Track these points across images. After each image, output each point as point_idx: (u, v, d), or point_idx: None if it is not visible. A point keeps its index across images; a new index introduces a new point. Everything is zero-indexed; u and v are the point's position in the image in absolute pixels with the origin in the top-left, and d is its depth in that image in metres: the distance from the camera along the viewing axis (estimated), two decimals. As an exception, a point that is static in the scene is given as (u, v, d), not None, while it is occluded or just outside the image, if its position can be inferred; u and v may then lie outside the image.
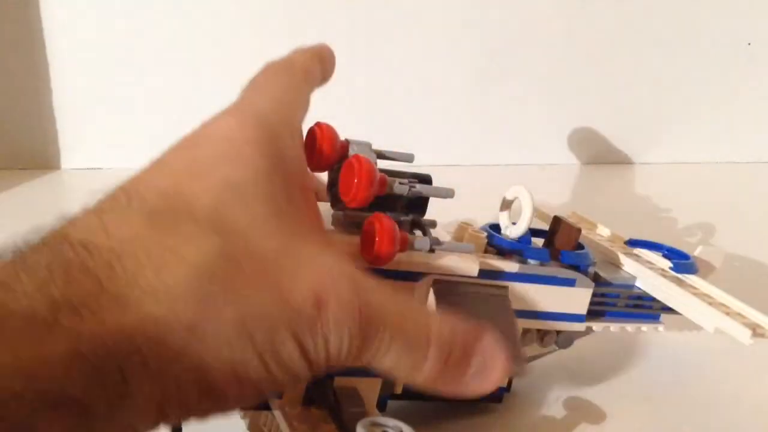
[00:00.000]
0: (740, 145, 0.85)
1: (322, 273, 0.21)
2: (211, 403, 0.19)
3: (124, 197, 0.21)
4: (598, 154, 0.84)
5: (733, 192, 0.76)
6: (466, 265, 0.30)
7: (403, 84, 0.77)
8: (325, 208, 0.30)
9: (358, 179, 0.27)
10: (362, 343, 0.21)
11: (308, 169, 0.28)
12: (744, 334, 0.33)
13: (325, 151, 0.28)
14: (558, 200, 0.69)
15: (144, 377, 0.18)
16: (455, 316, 0.23)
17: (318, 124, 0.29)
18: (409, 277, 0.29)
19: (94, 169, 0.84)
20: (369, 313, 0.21)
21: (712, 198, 0.72)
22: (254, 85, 0.27)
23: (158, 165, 0.22)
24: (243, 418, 0.32)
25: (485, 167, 0.81)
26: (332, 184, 0.30)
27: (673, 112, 0.84)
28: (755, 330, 0.33)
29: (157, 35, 0.78)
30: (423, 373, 0.22)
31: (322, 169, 0.29)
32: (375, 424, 0.25)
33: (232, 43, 0.78)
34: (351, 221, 0.29)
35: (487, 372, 0.23)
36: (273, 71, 0.28)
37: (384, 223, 0.26)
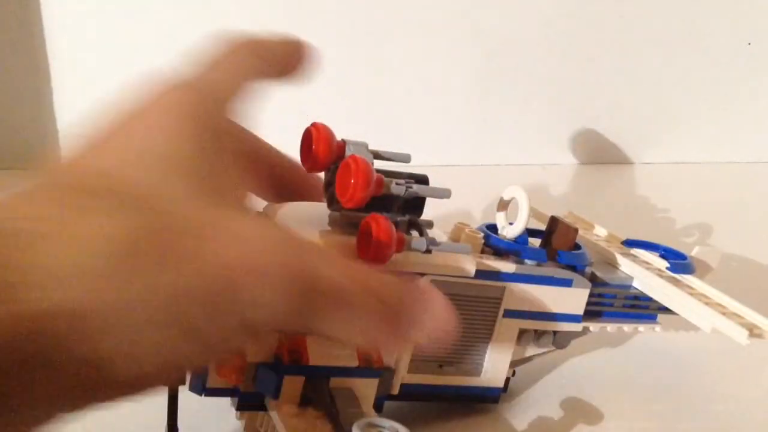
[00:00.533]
0: (740, 145, 0.85)
1: (251, 241, 0.20)
2: (129, 387, 0.19)
3: (48, 177, 0.20)
4: (598, 154, 0.84)
5: (733, 192, 0.76)
6: (463, 265, 0.30)
7: (402, 84, 0.77)
8: (322, 208, 0.30)
9: (354, 180, 0.26)
10: (301, 306, 0.20)
11: (252, 145, 0.28)
12: (741, 335, 0.33)
13: (321, 151, 0.28)
14: (558, 200, 0.69)
15: (40, 372, 0.16)
16: (391, 273, 0.23)
17: (314, 124, 0.29)
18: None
19: (95, 168, 0.84)
20: (304, 276, 0.20)
21: (711, 198, 0.72)
22: (198, 62, 0.26)
23: (89, 142, 0.22)
24: (239, 419, 0.32)
25: (485, 167, 0.81)
26: (329, 184, 0.30)
27: (672, 112, 0.84)
28: (752, 330, 0.33)
29: (158, 35, 0.78)
30: (368, 333, 0.22)
31: (318, 170, 0.29)
32: (371, 425, 0.25)
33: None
34: (348, 221, 0.29)
35: (429, 317, 0.23)
36: (222, 50, 0.28)
37: (381, 223, 0.26)
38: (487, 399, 0.35)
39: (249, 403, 0.28)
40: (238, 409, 0.29)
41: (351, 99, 0.71)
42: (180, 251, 0.19)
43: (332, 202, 0.29)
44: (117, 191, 0.19)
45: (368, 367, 0.28)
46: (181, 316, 0.18)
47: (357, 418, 0.26)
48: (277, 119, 0.78)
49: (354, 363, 0.28)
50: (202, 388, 0.28)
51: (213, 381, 0.28)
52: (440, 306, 0.23)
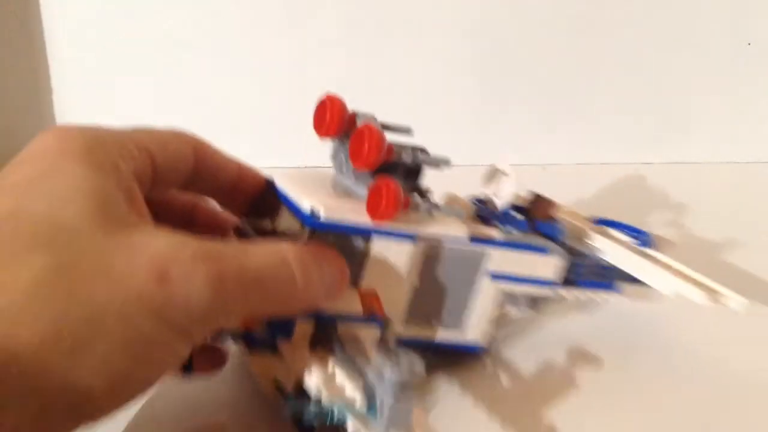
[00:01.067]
0: (740, 145, 0.85)
1: (158, 250, 0.21)
2: (76, 414, 0.19)
3: None
4: (598, 154, 0.84)
5: (733, 192, 0.76)
6: (457, 229, 0.34)
7: (401, 83, 0.77)
8: (325, 175, 0.34)
9: (369, 144, 0.30)
10: (224, 298, 0.22)
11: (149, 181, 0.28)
12: (700, 297, 0.38)
13: (335, 120, 0.31)
14: (558, 200, 0.69)
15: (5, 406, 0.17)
16: (295, 243, 0.27)
17: (328, 96, 0.32)
18: (405, 237, 0.32)
19: (94, 169, 0.84)
20: (219, 272, 0.22)
21: (711, 198, 0.72)
22: None
23: None
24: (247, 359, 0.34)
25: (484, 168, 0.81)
26: (336, 153, 0.33)
27: (672, 112, 0.84)
28: (711, 294, 0.38)
29: (158, 35, 0.78)
30: (296, 301, 0.26)
31: (331, 136, 0.32)
32: (390, 352, 0.28)
33: (232, 43, 0.78)
34: (358, 182, 0.32)
35: (334, 277, 0.27)
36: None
37: (391, 184, 0.30)
38: (471, 353, 0.38)
39: (261, 346, 0.31)
40: (249, 351, 0.31)
41: (349, 98, 0.71)
42: (89, 279, 0.20)
43: (341, 170, 0.33)
44: (22, 231, 0.20)
45: (372, 315, 0.31)
46: (108, 336, 0.19)
47: (365, 360, 0.28)
48: (277, 116, 0.78)
49: (360, 311, 0.31)
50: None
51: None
52: (338, 262, 0.28)
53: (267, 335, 0.30)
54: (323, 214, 0.29)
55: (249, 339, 0.31)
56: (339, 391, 0.27)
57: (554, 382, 0.38)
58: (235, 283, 0.23)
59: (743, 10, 0.81)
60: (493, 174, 0.39)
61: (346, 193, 0.32)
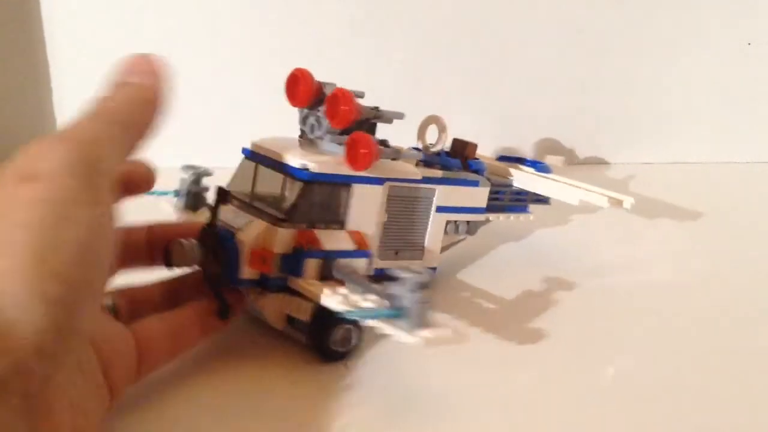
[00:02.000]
0: (740, 145, 0.85)
1: None
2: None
3: None
4: (598, 154, 0.84)
5: (733, 192, 0.76)
6: (414, 171, 0.41)
7: (400, 83, 0.77)
8: (293, 139, 0.41)
9: (345, 105, 0.36)
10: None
11: None
12: (602, 201, 0.47)
13: (306, 90, 0.38)
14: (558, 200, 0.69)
15: None
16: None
17: (298, 69, 0.38)
18: (376, 181, 0.39)
19: (94, 169, 0.84)
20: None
21: (711, 198, 0.72)
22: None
23: None
24: (252, 307, 0.38)
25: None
26: (305, 119, 0.40)
27: (672, 112, 0.84)
28: (611, 199, 0.47)
29: (157, 35, 0.78)
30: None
31: (302, 105, 0.39)
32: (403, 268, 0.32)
33: (231, 43, 0.78)
34: (333, 140, 0.38)
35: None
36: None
37: (368, 138, 0.36)
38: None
39: (275, 287, 0.36)
40: (263, 294, 0.37)
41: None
42: None
43: (311, 132, 0.39)
44: None
45: (361, 249, 0.38)
46: None
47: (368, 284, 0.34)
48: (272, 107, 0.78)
49: (353, 246, 0.37)
50: (235, 279, 0.35)
51: (245, 273, 0.35)
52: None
53: (281, 276, 0.36)
54: (313, 168, 0.36)
55: (264, 282, 0.36)
56: (358, 304, 0.32)
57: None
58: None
59: (743, 10, 0.81)
60: (427, 125, 0.45)
61: (318, 152, 0.38)
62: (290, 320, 0.37)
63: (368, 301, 0.33)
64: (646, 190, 0.72)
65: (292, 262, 0.35)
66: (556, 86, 0.82)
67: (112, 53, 0.84)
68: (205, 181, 0.44)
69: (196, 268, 0.36)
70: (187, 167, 0.44)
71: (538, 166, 0.53)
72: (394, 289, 0.32)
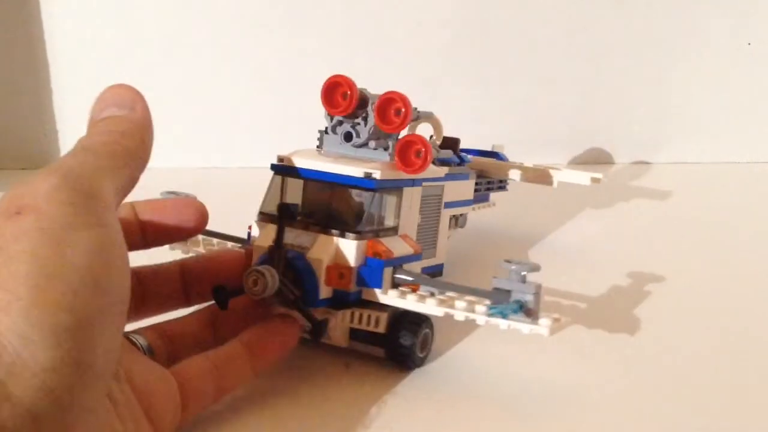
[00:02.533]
0: (740, 145, 0.85)
1: None
2: None
3: None
4: (598, 154, 0.84)
5: (733, 192, 0.76)
6: (437, 170, 0.42)
7: (401, 83, 0.77)
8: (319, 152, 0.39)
9: (405, 109, 0.36)
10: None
11: None
12: (584, 178, 0.49)
13: (356, 98, 0.37)
14: (561, 200, 0.69)
15: None
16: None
17: (342, 77, 0.37)
18: (418, 183, 0.39)
19: (94, 169, 0.84)
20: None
21: (712, 198, 0.72)
22: None
23: None
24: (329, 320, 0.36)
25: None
26: (335, 128, 0.39)
27: (673, 113, 0.84)
28: (592, 178, 0.48)
29: (157, 35, 0.78)
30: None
31: (347, 113, 0.37)
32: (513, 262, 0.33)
33: (231, 43, 0.78)
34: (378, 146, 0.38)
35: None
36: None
37: (425, 141, 0.36)
38: (438, 273, 0.45)
39: (352, 302, 0.35)
40: (337, 309, 0.36)
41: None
42: None
43: (343, 140, 0.38)
44: None
45: (416, 253, 0.37)
46: None
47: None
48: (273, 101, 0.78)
49: (411, 251, 0.37)
50: (315, 301, 0.34)
51: (323, 292, 0.34)
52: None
53: (358, 290, 0.35)
54: (379, 176, 0.35)
55: (342, 299, 0.35)
56: (454, 304, 0.33)
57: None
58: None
59: (743, 10, 0.81)
60: (417, 123, 0.45)
61: (361, 159, 0.37)
62: (354, 335, 0.37)
63: (464, 301, 0.33)
64: (645, 190, 0.72)
65: (371, 273, 0.35)
66: (557, 86, 0.82)
67: (112, 53, 0.84)
68: None
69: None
70: (168, 193, 0.40)
71: (497, 155, 0.55)
72: (500, 282, 0.32)
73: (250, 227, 0.37)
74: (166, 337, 0.32)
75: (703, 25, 0.81)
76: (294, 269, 0.33)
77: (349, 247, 0.34)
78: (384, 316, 0.35)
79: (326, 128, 0.39)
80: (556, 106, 0.82)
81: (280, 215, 0.33)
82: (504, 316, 0.32)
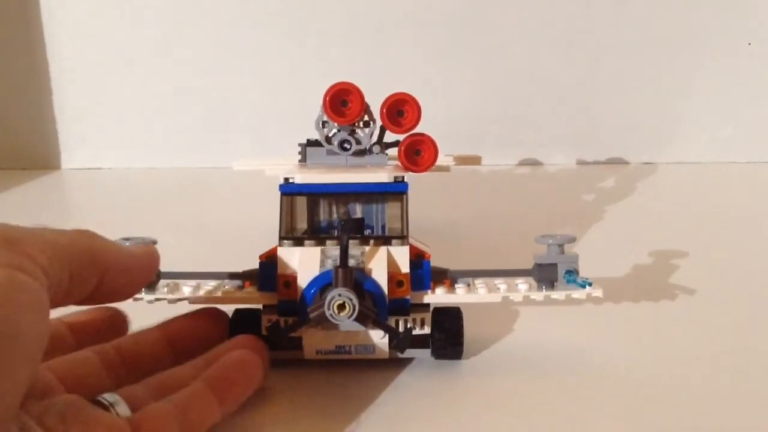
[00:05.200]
0: (740, 145, 0.85)
1: None
2: None
3: None
4: (599, 154, 0.84)
5: (733, 192, 0.76)
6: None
7: (402, 84, 0.77)
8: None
9: (418, 109, 0.37)
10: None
11: None
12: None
13: (362, 106, 0.37)
14: (562, 200, 0.69)
15: None
16: None
17: (349, 83, 0.36)
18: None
19: (94, 169, 0.84)
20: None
21: (712, 198, 0.72)
22: None
23: None
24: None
25: (485, 168, 0.82)
26: (330, 137, 0.38)
27: (672, 113, 0.84)
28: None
29: (157, 36, 0.78)
30: None
31: (354, 120, 0.37)
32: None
33: (230, 44, 0.78)
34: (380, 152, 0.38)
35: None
36: None
37: (428, 136, 0.36)
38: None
39: (408, 309, 0.35)
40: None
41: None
42: None
43: (339, 149, 0.38)
44: None
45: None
46: None
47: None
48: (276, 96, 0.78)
49: (428, 248, 0.36)
50: (385, 314, 0.33)
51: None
52: None
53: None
54: (407, 179, 0.35)
55: (400, 306, 0.34)
56: (500, 289, 0.35)
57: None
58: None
59: (743, 10, 0.81)
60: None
61: (364, 164, 0.38)
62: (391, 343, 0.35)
63: (504, 284, 0.35)
64: (646, 189, 0.72)
65: (422, 276, 0.35)
66: (557, 86, 0.82)
67: (112, 54, 0.84)
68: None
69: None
70: (124, 239, 0.33)
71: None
72: (542, 258, 0.34)
73: (264, 257, 0.35)
74: (119, 358, 0.31)
75: (703, 25, 0.81)
76: (359, 286, 0.32)
77: (400, 254, 0.34)
78: (428, 316, 0.35)
79: (308, 141, 0.38)
80: (557, 106, 0.82)
81: (344, 231, 0.32)
82: (583, 286, 0.34)
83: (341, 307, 0.31)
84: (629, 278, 0.50)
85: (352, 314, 0.31)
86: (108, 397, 0.28)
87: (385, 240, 0.34)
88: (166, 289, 0.34)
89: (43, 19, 0.76)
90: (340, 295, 0.31)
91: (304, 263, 0.33)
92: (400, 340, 0.33)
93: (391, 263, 0.34)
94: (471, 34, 0.79)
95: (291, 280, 0.33)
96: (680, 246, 0.57)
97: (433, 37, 0.79)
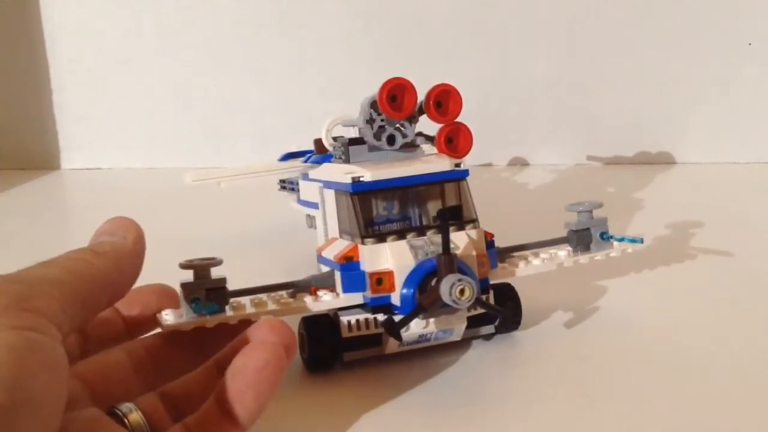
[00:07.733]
0: (740, 145, 0.85)
1: None
2: None
3: None
4: (599, 154, 0.84)
5: (733, 192, 0.76)
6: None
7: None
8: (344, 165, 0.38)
9: (460, 98, 0.37)
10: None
11: None
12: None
13: (415, 101, 0.37)
14: (563, 200, 0.69)
15: None
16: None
17: (404, 79, 0.36)
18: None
19: (94, 169, 0.84)
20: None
21: (712, 198, 0.72)
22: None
23: None
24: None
25: (486, 168, 0.82)
26: (378, 133, 0.38)
27: (672, 113, 0.84)
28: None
29: (156, 36, 0.78)
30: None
31: (407, 115, 0.37)
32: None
33: (230, 44, 0.78)
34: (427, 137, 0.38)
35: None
36: None
37: (464, 124, 0.37)
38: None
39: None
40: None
41: (351, 98, 0.71)
42: None
43: (388, 144, 0.38)
44: None
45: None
46: None
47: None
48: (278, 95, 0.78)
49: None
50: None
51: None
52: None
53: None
54: (465, 165, 0.36)
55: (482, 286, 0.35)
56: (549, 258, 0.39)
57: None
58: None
59: (743, 10, 0.81)
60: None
61: (409, 158, 0.38)
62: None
63: (548, 253, 0.39)
64: (646, 189, 0.72)
65: (492, 256, 0.37)
66: (557, 86, 0.82)
67: (111, 54, 0.84)
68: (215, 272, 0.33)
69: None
70: (189, 262, 0.32)
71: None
72: (573, 225, 0.38)
73: (342, 258, 0.34)
74: (167, 401, 0.30)
75: (703, 25, 0.81)
76: (462, 270, 0.32)
77: (478, 237, 0.35)
78: (491, 294, 0.36)
79: (349, 140, 0.38)
80: (558, 107, 0.82)
81: (444, 220, 0.33)
82: (632, 241, 0.39)
83: (462, 291, 0.31)
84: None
85: (471, 298, 0.31)
86: (123, 408, 0.28)
87: (460, 225, 0.35)
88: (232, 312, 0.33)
89: (43, 19, 0.76)
90: (460, 280, 0.31)
91: (398, 257, 0.33)
92: (503, 319, 0.36)
93: (475, 247, 0.34)
94: (471, 34, 0.79)
95: (384, 276, 0.33)
96: (680, 246, 0.57)
97: (433, 37, 0.79)
